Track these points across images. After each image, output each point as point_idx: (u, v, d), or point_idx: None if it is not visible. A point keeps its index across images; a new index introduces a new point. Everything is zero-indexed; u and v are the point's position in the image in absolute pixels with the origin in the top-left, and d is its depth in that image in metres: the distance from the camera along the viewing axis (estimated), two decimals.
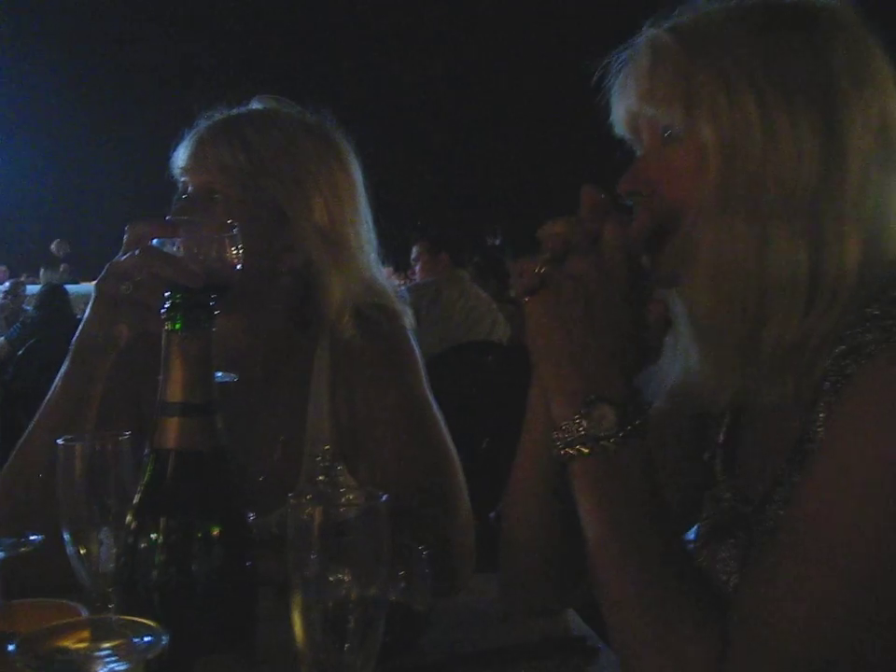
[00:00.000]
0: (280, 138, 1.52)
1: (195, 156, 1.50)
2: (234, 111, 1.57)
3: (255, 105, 1.60)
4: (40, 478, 1.27)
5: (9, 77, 16.17)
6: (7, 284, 9.04)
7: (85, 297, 9.35)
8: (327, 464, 1.56)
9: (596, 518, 0.97)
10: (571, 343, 0.97)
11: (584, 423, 0.96)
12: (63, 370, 1.35)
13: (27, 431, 1.36)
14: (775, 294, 0.96)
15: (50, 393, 1.35)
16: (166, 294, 0.87)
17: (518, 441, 1.20)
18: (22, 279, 9.54)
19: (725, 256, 0.97)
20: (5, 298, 8.58)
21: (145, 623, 0.71)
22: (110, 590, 1.00)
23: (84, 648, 0.67)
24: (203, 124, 1.53)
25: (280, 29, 16.83)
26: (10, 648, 0.67)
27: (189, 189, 1.50)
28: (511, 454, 1.22)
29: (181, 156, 1.52)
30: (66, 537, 1.01)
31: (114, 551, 1.01)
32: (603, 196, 1.04)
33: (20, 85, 16.35)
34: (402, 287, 4.68)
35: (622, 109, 1.07)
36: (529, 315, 1.01)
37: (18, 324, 7.52)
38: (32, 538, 0.98)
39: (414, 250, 5.15)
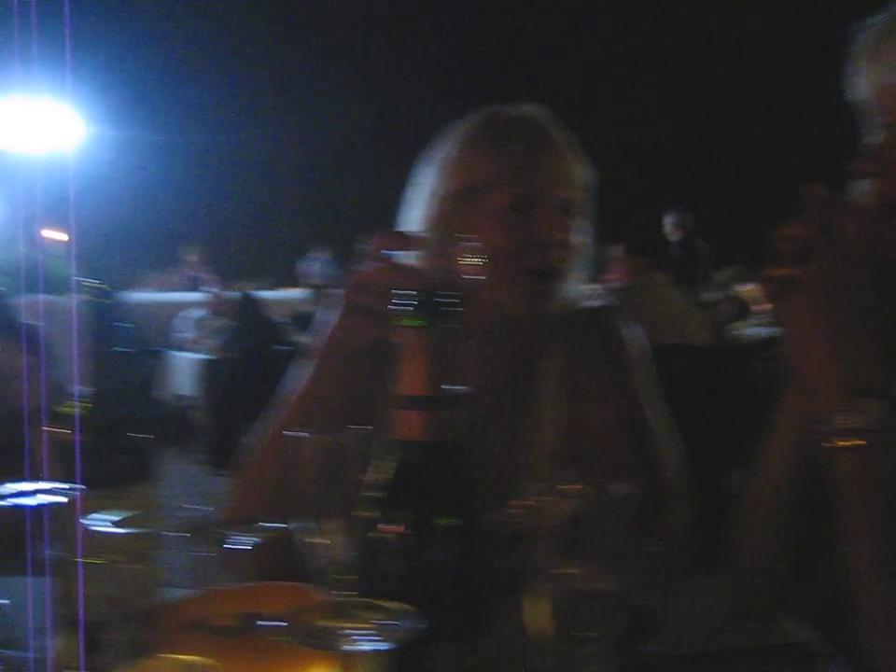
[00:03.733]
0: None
1: (550, 168, 1.53)
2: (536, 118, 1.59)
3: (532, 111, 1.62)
4: (278, 470, 1.34)
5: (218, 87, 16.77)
6: (209, 290, 9.45)
7: (279, 302, 9.74)
8: (550, 467, 1.58)
9: (856, 511, 0.95)
10: (834, 338, 0.97)
11: (851, 415, 0.95)
12: (302, 369, 1.40)
13: (265, 426, 1.43)
14: None
15: (289, 391, 1.42)
16: (406, 292, 0.90)
17: (718, 444, 1.20)
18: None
19: None
20: (210, 306, 9.00)
21: (395, 607, 0.74)
22: (345, 578, 1.05)
23: (343, 626, 0.71)
24: (517, 132, 1.55)
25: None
26: (276, 623, 0.71)
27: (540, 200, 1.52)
28: (711, 457, 1.20)
29: (495, 163, 1.53)
30: (304, 526, 1.07)
31: (348, 541, 1.06)
32: (829, 193, 1.02)
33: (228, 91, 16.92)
34: (599, 291, 4.69)
35: (875, 77, 1.04)
36: (784, 316, 1.01)
37: (227, 329, 7.90)
38: (276, 525, 1.03)
39: (611, 252, 5.13)
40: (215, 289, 9.33)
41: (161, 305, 10.27)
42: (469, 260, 1.25)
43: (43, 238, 12.48)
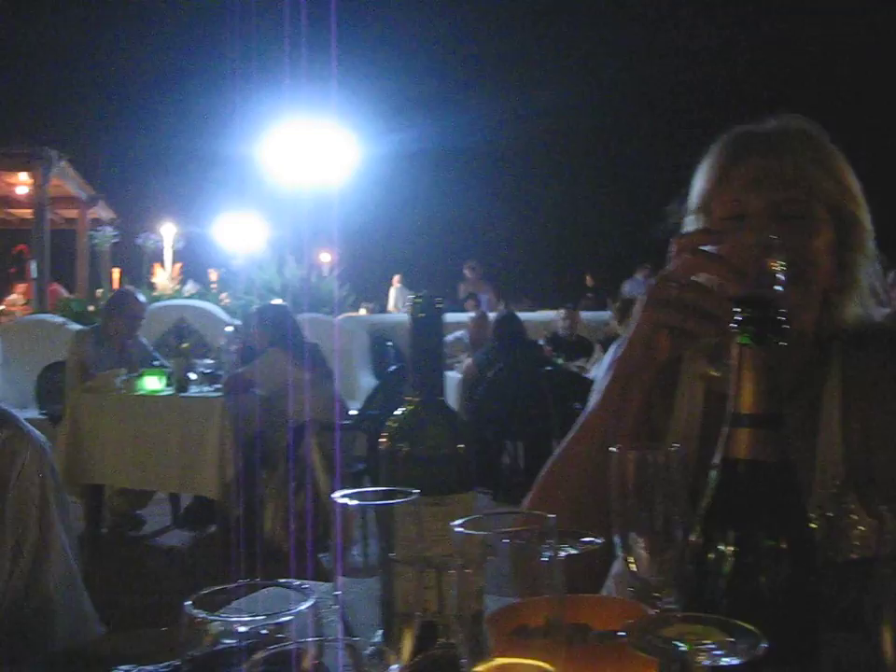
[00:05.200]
0: (840, 156, 1.55)
1: (772, 176, 1.51)
2: (782, 126, 1.58)
3: (781, 122, 1.60)
4: (576, 484, 1.37)
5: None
6: (472, 310, 9.68)
7: (539, 323, 9.86)
8: (837, 493, 1.51)
9: None
10: None
11: None
12: (606, 382, 1.42)
13: (566, 439, 1.46)
14: None
15: (592, 404, 1.44)
16: (736, 309, 0.89)
17: None
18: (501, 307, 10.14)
19: None
20: (471, 325, 9.22)
21: (738, 625, 0.73)
22: (656, 594, 1.05)
23: (690, 640, 0.71)
24: (741, 143, 1.56)
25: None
26: (620, 633, 0.72)
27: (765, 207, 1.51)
28: None
29: (716, 175, 1.55)
30: (616, 540, 1.07)
31: (662, 558, 1.05)
32: None
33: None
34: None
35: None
36: None
37: (485, 348, 8.08)
38: (591, 540, 1.04)
39: (892, 276, 4.88)
40: (477, 310, 9.56)
41: None
42: (774, 268, 1.23)
43: (313, 259, 13.24)
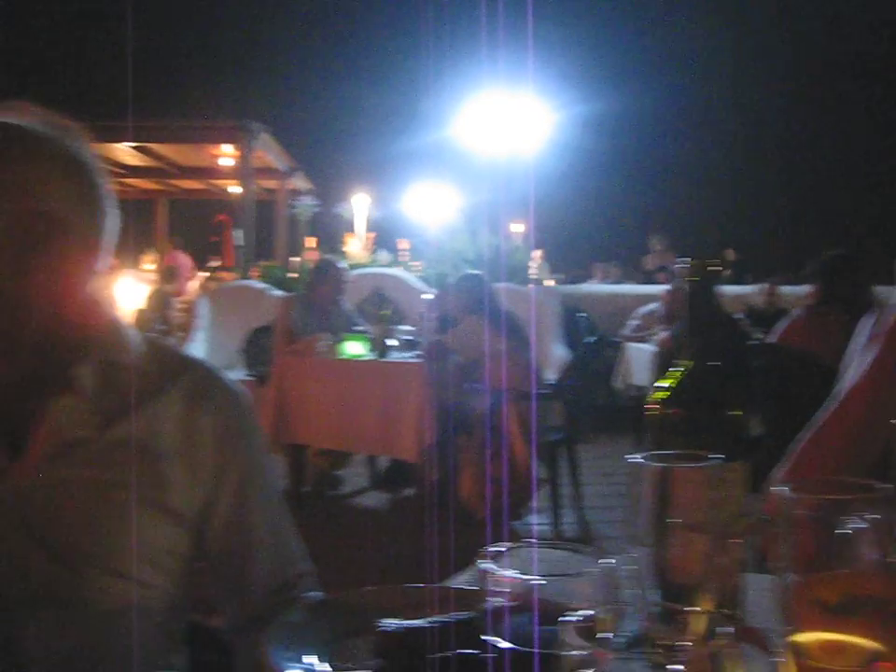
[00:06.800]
0: None
1: None
2: None
3: None
4: (839, 456, 1.32)
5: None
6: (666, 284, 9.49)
7: (734, 297, 9.58)
8: None
9: None
10: None
11: None
12: (870, 356, 1.36)
13: (825, 411, 1.40)
14: None
15: (851, 377, 1.39)
16: None
17: None
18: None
19: None
20: (665, 299, 9.06)
21: None
22: None
23: None
24: None
25: None
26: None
27: None
28: None
29: None
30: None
31: None
32: None
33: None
34: None
35: None
36: None
37: (681, 321, 7.91)
38: (875, 517, 1.00)
39: None
40: (670, 284, 9.37)
41: (616, 296, 10.52)
42: None
43: (506, 229, 13.25)
